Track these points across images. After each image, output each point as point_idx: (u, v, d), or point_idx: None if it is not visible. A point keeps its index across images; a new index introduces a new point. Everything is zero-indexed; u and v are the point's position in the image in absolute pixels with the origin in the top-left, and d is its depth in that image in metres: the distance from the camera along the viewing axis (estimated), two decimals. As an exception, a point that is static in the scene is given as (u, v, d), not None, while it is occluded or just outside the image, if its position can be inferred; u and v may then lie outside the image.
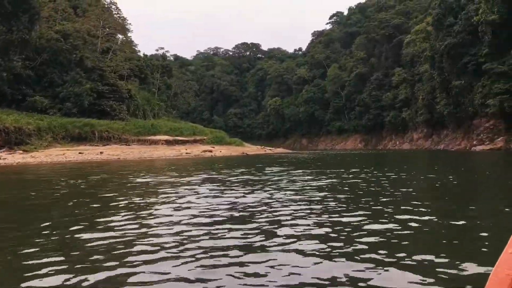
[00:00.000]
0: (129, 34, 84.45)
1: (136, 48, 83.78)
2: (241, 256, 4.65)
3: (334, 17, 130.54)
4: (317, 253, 4.74)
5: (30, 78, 46.37)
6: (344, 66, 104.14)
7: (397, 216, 6.67)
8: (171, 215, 7.13)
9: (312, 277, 3.95)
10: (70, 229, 6.03)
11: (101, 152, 36.01)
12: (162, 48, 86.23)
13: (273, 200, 8.82)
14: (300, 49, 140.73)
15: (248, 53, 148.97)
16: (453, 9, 55.18)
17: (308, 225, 6.19)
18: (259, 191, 10.47)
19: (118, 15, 68.51)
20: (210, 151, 46.63)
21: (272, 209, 7.65)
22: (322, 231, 5.81)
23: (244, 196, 9.58)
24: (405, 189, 10.78)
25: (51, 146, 39.00)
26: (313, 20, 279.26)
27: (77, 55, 48.71)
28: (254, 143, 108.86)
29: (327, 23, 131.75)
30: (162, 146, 49.30)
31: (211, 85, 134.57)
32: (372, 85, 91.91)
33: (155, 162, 30.18)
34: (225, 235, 5.66)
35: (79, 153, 34.46)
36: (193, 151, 45.08)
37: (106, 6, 71.83)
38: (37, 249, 4.99)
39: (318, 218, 6.73)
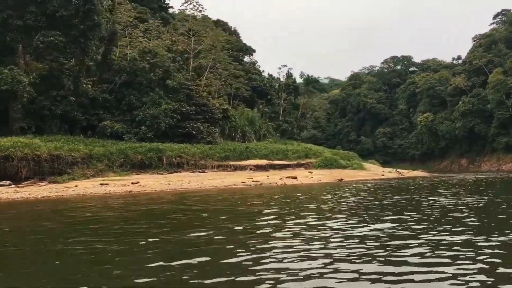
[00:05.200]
0: (254, 55, 79.01)
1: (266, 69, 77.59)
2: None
3: (499, 16, 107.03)
4: None
5: (109, 102, 42.03)
6: (510, 70, 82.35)
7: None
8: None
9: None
10: None
11: (133, 183, 28.44)
12: (285, 66, 77.92)
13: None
14: (459, 57, 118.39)
15: (398, 67, 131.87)
16: None
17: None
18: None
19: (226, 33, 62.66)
20: (295, 177, 35.92)
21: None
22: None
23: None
24: None
25: (102, 175, 33.05)
26: (475, 23, 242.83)
27: (155, 74, 42.95)
28: (406, 166, 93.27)
29: (491, 24, 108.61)
30: (246, 172, 40.34)
31: (357, 104, 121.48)
32: (547, 89, 69.84)
33: (171, 196, 21.22)
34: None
35: (100, 184, 27.33)
36: (272, 178, 35.00)
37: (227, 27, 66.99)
38: None
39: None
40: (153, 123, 41.05)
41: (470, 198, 14.37)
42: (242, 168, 42.22)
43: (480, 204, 12.31)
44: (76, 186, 26.20)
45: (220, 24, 77.90)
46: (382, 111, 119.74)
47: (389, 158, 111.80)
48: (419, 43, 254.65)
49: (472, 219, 9.08)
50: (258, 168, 42.88)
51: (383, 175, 45.93)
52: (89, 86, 39.84)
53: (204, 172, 38.82)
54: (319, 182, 34.00)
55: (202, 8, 51.22)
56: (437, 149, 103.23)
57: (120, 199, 20.23)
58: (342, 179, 36.95)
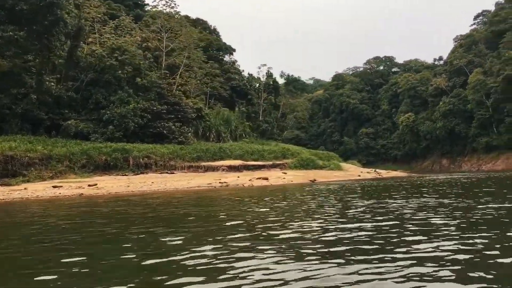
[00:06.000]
0: (234, 54, 77.49)
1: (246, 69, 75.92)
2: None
3: (480, 17, 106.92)
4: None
5: (75, 101, 40.02)
6: (490, 70, 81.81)
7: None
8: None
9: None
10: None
11: (89, 185, 26.55)
12: (265, 65, 76.18)
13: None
14: (440, 58, 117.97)
15: (381, 67, 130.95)
16: None
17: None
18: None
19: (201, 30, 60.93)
20: (266, 178, 34.37)
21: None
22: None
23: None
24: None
25: (62, 177, 31.11)
26: (457, 25, 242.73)
27: (124, 72, 41.05)
28: (389, 166, 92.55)
29: (472, 25, 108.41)
30: (217, 173, 38.65)
31: (340, 105, 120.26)
32: (526, 89, 69.28)
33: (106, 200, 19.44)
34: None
35: (53, 186, 25.42)
36: (242, 179, 33.39)
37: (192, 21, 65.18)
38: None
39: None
40: (121, 122, 39.19)
41: (410, 202, 12.91)
42: (214, 169, 40.54)
43: (407, 211, 10.69)
44: (25, 189, 24.27)
45: (199, 23, 76.34)
46: (365, 111, 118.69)
47: (372, 159, 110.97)
48: (408, 43, 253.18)
49: (371, 232, 7.53)
50: (231, 168, 41.25)
51: (359, 176, 44.56)
52: (52, 83, 37.83)
53: (173, 173, 37.05)
54: (290, 183, 32.45)
55: (175, 4, 49.41)
56: (419, 149, 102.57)
57: (58, 201, 18.42)
58: (315, 180, 35.49)
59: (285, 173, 40.11)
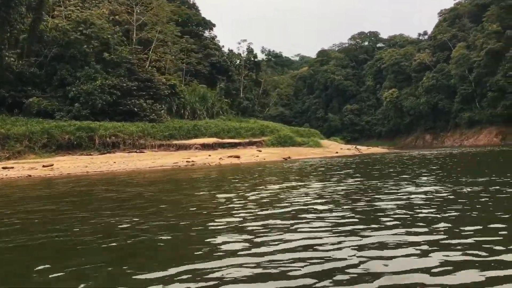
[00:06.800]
0: (214, 30, 74.99)
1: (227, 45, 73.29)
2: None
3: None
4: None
5: (38, 77, 37.76)
6: (473, 44, 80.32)
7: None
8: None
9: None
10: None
11: (44, 166, 24.66)
12: (245, 41, 73.50)
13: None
14: (425, 32, 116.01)
15: (366, 43, 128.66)
16: None
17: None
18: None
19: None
20: (237, 156, 32.83)
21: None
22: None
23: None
24: None
25: (20, 157, 29.26)
26: (439, 5, 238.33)
27: (89, 46, 38.74)
28: (373, 143, 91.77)
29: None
30: (188, 152, 36.95)
31: (325, 81, 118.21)
32: (508, 64, 68.06)
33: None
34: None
35: (3, 168, 23.53)
36: (213, 158, 31.77)
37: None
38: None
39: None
40: (88, 100, 37.12)
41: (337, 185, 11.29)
42: (187, 147, 38.82)
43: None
44: None
45: (177, -3, 73.29)
46: (350, 87, 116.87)
47: (356, 135, 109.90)
48: (389, 22, 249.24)
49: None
50: (205, 147, 39.56)
51: (337, 152, 43.17)
52: (13, 59, 35.48)
53: (143, 152, 35.31)
54: (262, 161, 30.91)
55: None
56: (403, 125, 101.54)
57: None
58: (289, 158, 34.01)
59: (260, 151, 38.57)
